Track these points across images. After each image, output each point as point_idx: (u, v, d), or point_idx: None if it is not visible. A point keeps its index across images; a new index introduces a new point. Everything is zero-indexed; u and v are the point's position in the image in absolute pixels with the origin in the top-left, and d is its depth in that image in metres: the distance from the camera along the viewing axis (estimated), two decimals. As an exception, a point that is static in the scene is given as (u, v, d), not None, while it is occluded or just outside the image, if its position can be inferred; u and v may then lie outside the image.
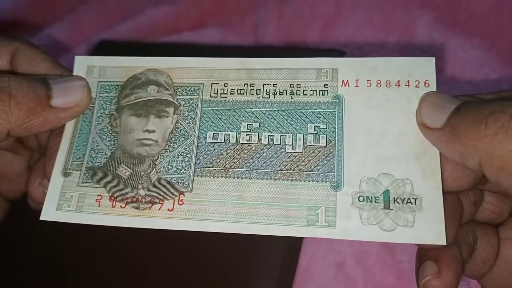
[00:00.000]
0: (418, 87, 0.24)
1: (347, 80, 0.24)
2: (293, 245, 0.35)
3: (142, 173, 0.24)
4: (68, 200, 0.24)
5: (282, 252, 0.34)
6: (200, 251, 0.36)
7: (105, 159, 0.25)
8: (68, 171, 0.25)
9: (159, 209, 0.24)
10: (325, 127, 0.24)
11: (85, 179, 0.25)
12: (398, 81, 0.24)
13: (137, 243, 0.37)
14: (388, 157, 0.23)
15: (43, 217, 0.24)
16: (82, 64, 0.27)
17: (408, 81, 0.24)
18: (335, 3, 0.49)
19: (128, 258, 0.37)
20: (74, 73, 0.27)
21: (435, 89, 0.24)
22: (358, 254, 0.34)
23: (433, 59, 0.24)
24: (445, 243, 0.21)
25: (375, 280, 0.34)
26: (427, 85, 0.24)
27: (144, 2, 0.54)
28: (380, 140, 0.23)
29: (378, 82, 0.24)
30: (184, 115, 0.25)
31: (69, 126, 0.26)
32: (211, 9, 0.52)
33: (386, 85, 0.24)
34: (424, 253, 0.23)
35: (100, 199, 0.24)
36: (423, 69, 0.24)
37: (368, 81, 0.24)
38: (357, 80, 0.24)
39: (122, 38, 0.52)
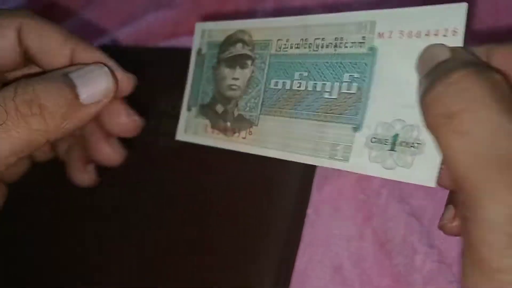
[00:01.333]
0: (446, 36, 0.24)
1: (383, 32, 0.26)
2: (291, 247, 0.35)
3: (230, 110, 0.32)
4: (190, 127, 0.34)
5: (279, 255, 0.34)
6: (198, 252, 0.36)
7: (209, 99, 0.33)
8: (190, 107, 0.34)
9: (237, 137, 0.31)
10: (358, 77, 0.26)
11: (198, 113, 0.34)
12: (428, 31, 0.24)
13: (139, 245, 0.37)
14: (406, 105, 0.25)
15: (178, 137, 0.34)
16: (199, 28, 0.36)
17: (438, 30, 0.24)
18: (333, 10, 0.49)
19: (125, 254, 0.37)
20: (195, 38, 0.35)
21: (461, 38, 0.23)
22: (355, 257, 0.34)
23: (464, 5, 0.23)
24: (433, 185, 0.23)
25: (372, 283, 0.34)
26: (454, 33, 0.23)
27: (143, 7, 0.54)
28: (404, 89, 0.25)
29: (410, 32, 0.25)
30: (258, 66, 0.31)
31: (190, 75, 0.35)
32: (209, 14, 0.53)
33: (416, 36, 0.25)
34: (449, 196, 0.25)
35: (206, 127, 0.33)
36: (453, 17, 0.24)
37: (401, 32, 0.25)
38: (391, 31, 0.26)
39: (122, 43, 0.53)
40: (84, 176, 0.30)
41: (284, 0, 0.50)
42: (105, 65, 0.27)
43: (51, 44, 0.26)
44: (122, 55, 0.53)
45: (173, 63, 0.51)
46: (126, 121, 0.31)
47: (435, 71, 0.21)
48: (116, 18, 0.55)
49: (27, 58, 0.26)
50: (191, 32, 0.54)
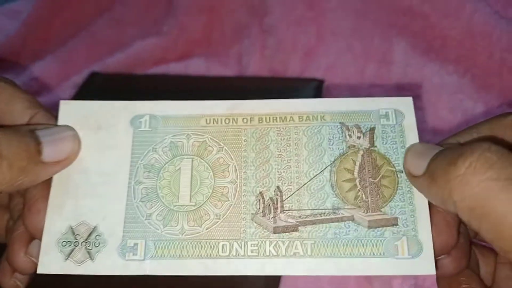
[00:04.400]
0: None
1: None
2: (273, 276, 0.36)
3: None
4: None
5: (264, 280, 0.36)
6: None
7: None
8: None
9: None
10: None
11: None
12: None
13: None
14: None
15: None
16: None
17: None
18: (316, 33, 0.50)
19: None
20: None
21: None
22: (336, 283, 0.36)
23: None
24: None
25: (354, 306, 0.35)
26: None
27: (132, 35, 0.56)
28: None
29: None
30: None
31: None
32: (197, 41, 0.54)
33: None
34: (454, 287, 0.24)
35: None
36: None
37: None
38: None
39: (112, 70, 0.54)
40: (26, 261, 0.25)
41: (271, 28, 0.52)
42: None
43: (15, 109, 0.26)
44: (112, 82, 0.54)
45: (163, 89, 0.52)
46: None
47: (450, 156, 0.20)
48: (105, 46, 0.56)
49: None
50: (179, 58, 0.56)
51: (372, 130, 0.25)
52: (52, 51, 0.57)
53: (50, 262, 0.24)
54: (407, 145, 0.25)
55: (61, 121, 0.26)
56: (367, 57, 0.49)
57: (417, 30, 0.48)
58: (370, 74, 0.48)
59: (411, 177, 0.23)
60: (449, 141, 0.24)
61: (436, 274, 0.23)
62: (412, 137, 0.25)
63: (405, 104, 0.26)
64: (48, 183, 0.25)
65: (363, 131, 0.25)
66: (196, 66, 0.53)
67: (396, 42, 0.49)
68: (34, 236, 0.25)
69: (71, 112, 0.26)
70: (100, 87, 0.53)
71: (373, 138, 0.25)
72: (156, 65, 0.54)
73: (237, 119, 0.26)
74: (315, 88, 0.47)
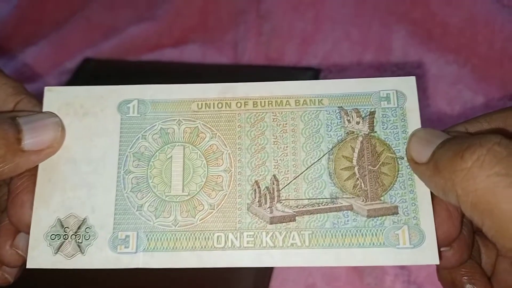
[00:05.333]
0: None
1: None
2: (264, 269, 0.36)
3: None
4: None
5: (254, 276, 0.35)
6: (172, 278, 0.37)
7: None
8: None
9: None
10: None
11: None
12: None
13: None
14: None
15: None
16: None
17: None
18: (313, 19, 0.49)
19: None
20: None
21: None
22: (328, 277, 0.35)
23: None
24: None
25: (345, 301, 0.35)
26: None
27: (127, 20, 0.54)
28: None
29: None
30: None
31: None
32: (192, 26, 0.53)
33: None
34: (457, 278, 0.23)
35: None
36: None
37: None
38: None
39: (106, 55, 0.53)
40: (12, 254, 0.24)
41: (267, 14, 0.50)
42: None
43: None
44: (105, 68, 0.53)
45: (157, 76, 0.51)
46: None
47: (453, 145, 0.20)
48: (99, 31, 0.55)
49: None
50: (174, 44, 0.55)
51: (372, 114, 0.24)
52: (45, 35, 0.56)
53: (39, 257, 0.23)
54: (409, 130, 0.24)
55: (46, 108, 0.25)
56: (365, 45, 0.47)
57: (417, 18, 0.47)
58: (368, 62, 0.47)
59: (413, 163, 0.22)
60: (457, 128, 0.24)
61: (437, 266, 0.22)
62: (414, 121, 0.24)
63: (408, 84, 0.24)
64: (33, 174, 0.24)
65: (363, 115, 0.24)
66: (191, 53, 0.52)
67: (395, 30, 0.47)
68: (19, 229, 0.24)
69: (56, 98, 0.25)
70: (93, 73, 0.52)
71: (373, 123, 0.24)
72: (150, 51, 0.53)
73: (230, 103, 0.25)
74: (311, 77, 0.46)
